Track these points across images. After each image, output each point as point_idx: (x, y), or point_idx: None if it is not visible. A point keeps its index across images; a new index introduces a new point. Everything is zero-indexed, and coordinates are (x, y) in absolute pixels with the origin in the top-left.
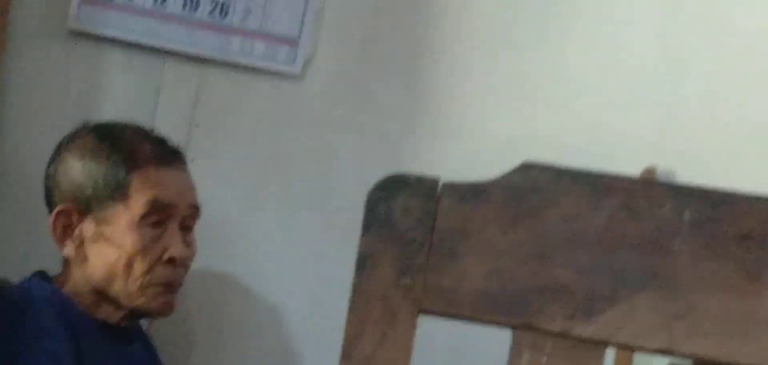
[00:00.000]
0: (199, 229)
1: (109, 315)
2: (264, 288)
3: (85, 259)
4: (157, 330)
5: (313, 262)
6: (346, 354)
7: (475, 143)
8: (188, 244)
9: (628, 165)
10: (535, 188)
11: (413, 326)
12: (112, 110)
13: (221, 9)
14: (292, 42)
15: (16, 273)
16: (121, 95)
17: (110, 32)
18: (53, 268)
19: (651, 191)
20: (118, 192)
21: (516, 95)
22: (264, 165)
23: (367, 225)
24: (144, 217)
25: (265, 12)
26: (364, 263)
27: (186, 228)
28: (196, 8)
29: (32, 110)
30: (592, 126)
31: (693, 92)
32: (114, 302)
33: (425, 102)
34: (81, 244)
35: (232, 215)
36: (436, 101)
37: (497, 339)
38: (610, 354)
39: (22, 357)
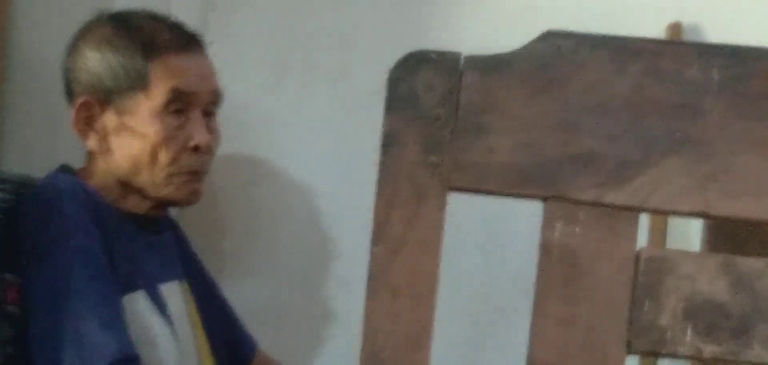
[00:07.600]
0: (222, 114)
1: (136, 205)
2: (291, 170)
3: (109, 151)
4: (187, 219)
5: (339, 141)
6: (377, 236)
7: (495, 14)
8: (212, 130)
9: (653, 23)
10: (558, 56)
11: (443, 204)
12: None
13: None
14: None
15: (39, 169)
16: None
17: None
18: (77, 162)
19: (677, 52)
20: (137, 82)
21: None
22: (283, 45)
23: (390, 104)
24: (166, 106)
25: None
26: (389, 144)
27: (209, 115)
28: None
29: (44, 3)
30: None
31: None
32: (140, 192)
33: None
34: (104, 136)
35: (255, 98)
36: None
37: (529, 212)
38: (644, 222)
39: (52, 254)
